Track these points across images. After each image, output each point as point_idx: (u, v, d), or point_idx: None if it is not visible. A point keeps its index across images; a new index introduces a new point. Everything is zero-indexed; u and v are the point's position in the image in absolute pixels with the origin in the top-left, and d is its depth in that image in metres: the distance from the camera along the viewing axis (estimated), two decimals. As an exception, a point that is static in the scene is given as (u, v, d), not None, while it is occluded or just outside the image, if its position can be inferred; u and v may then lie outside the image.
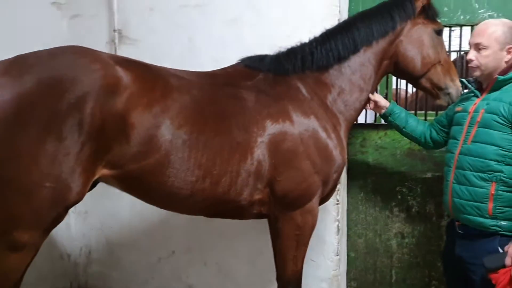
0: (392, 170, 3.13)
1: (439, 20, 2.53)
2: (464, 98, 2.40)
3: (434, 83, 2.53)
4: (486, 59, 2.18)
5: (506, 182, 2.09)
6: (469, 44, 2.25)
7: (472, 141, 2.20)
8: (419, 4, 2.46)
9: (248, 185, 2.23)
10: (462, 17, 2.92)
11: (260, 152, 2.23)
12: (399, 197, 3.14)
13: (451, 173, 2.27)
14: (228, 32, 3.15)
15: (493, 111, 2.13)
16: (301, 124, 2.30)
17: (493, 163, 2.12)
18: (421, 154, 3.05)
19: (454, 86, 2.54)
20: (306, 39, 2.55)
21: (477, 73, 2.23)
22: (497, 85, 2.17)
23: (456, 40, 3.06)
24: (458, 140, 2.27)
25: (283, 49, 2.52)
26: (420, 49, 2.46)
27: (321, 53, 2.43)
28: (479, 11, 2.88)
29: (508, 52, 2.15)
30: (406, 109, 3.38)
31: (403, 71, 2.54)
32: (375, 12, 2.50)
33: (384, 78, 2.92)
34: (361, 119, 3.23)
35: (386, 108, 2.60)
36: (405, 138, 3.03)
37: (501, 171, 2.09)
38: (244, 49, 2.69)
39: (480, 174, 2.14)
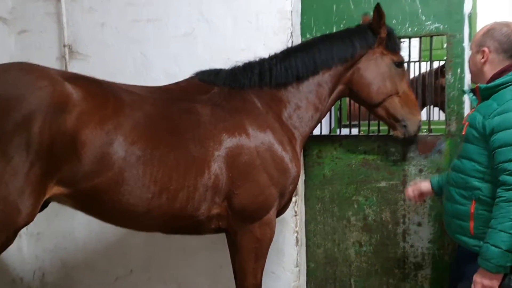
0: (348, 180, 3.13)
1: (400, 53, 2.57)
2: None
3: (390, 113, 2.53)
4: (469, 64, 2.11)
5: (485, 201, 1.90)
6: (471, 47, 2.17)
7: (459, 156, 2.07)
8: (380, 35, 2.50)
9: (206, 199, 2.20)
10: (410, 29, 2.96)
11: (217, 166, 2.20)
12: (356, 206, 3.15)
13: (445, 189, 2.19)
14: (182, 47, 3.12)
15: (471, 124, 1.96)
16: (257, 138, 2.30)
17: (472, 179, 1.96)
18: (375, 163, 3.07)
19: (412, 119, 2.54)
20: (260, 53, 2.58)
21: (472, 78, 2.15)
22: (484, 94, 1.98)
23: (405, 51, 3.05)
24: (455, 155, 2.19)
25: (239, 63, 2.52)
26: (376, 79, 2.46)
27: (280, 70, 2.44)
28: (426, 23, 2.93)
29: (482, 54, 1.99)
30: (359, 118, 3.39)
31: (357, 97, 2.58)
32: (337, 36, 2.52)
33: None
34: (317, 131, 3.22)
35: (432, 188, 2.41)
36: (360, 148, 3.11)
37: (479, 189, 1.93)
38: (198, 63, 2.68)
39: (461, 191, 2.02)
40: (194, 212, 2.21)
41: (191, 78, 2.50)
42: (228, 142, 2.24)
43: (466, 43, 2.89)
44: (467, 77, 2.90)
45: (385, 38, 2.51)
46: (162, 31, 3.17)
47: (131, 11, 3.20)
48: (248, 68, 2.48)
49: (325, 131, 3.49)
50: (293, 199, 2.95)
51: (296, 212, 3.02)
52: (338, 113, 3.81)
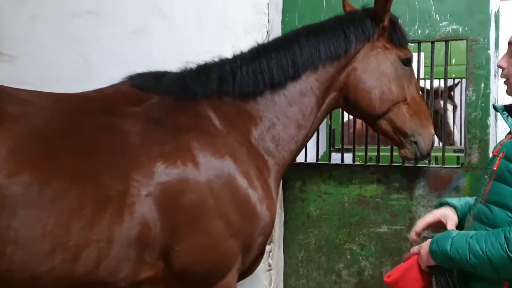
0: (339, 222, 2.70)
1: (407, 47, 2.08)
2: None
3: (396, 126, 2.03)
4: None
5: None
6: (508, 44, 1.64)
7: (486, 200, 1.57)
8: (383, 24, 1.99)
9: (129, 258, 1.59)
10: (420, 31, 2.50)
11: (145, 209, 1.59)
12: (349, 256, 2.70)
13: None
14: (131, 46, 2.67)
15: (509, 156, 1.51)
16: (210, 168, 1.73)
17: None
18: (374, 201, 2.63)
19: (425, 134, 2.04)
20: (228, 55, 2.04)
21: (508, 90, 1.63)
22: None
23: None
24: (480, 196, 1.65)
25: (192, 65, 1.97)
26: (379, 81, 1.98)
27: (248, 74, 1.91)
28: (441, 24, 2.47)
29: None
30: (354, 142, 2.94)
31: (356, 108, 2.05)
32: (324, 27, 2.00)
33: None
34: (300, 158, 2.79)
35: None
36: (354, 181, 2.69)
37: None
38: (151, 67, 2.18)
39: None
40: (111, 278, 1.60)
41: (121, 83, 1.91)
42: (165, 174, 1.64)
43: (492, 50, 2.43)
44: (494, 93, 2.47)
45: (389, 28, 2.01)
46: (107, 27, 2.72)
47: (69, 2, 2.74)
48: (203, 71, 1.92)
49: (312, 158, 3.03)
50: (267, 247, 2.50)
51: (270, 265, 2.55)
52: (329, 133, 3.31)
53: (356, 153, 3.01)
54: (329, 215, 2.70)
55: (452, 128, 4.35)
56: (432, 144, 2.10)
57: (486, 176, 1.61)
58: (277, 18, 2.62)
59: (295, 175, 2.73)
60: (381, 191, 2.63)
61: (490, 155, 1.82)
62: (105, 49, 2.70)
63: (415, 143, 2.04)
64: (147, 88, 1.85)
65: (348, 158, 2.92)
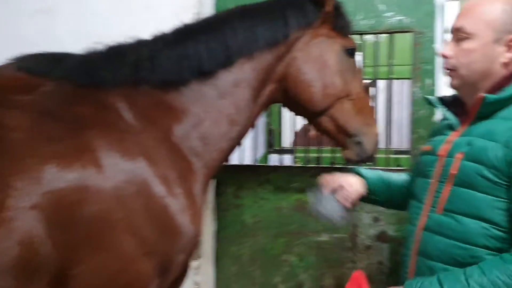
0: (276, 231, 2.52)
1: (350, 36, 1.90)
2: (438, 129, 1.54)
3: (339, 125, 1.85)
4: (469, 56, 1.35)
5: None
6: (451, 31, 1.45)
7: (445, 210, 1.36)
8: (325, 9, 1.79)
9: (8, 286, 1.29)
10: (364, 22, 2.34)
11: (28, 225, 1.27)
12: (286, 269, 2.52)
13: (410, 260, 1.45)
14: (35, 28, 2.35)
15: (477, 158, 1.30)
16: (118, 172, 1.43)
17: (481, 251, 1.28)
18: None
19: (370, 134, 1.87)
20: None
21: (455, 82, 1.41)
22: (486, 110, 1.35)
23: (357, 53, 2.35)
24: (422, 203, 1.45)
25: (101, 47, 1.65)
26: (322, 73, 1.80)
27: (170, 59, 1.65)
28: (385, 15, 2.32)
29: (510, 47, 1.33)
30: (295, 143, 2.82)
31: (296, 103, 1.85)
32: (261, 9, 1.78)
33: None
34: (235, 160, 2.68)
35: (366, 190, 1.72)
36: (293, 185, 2.53)
37: None
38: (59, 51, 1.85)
39: (456, 269, 1.31)
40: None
41: (4, 65, 1.55)
42: (57, 180, 1.32)
43: (438, 44, 2.30)
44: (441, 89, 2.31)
45: (332, 14, 1.81)
46: (7, 5, 2.39)
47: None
48: (115, 54, 1.62)
49: (248, 160, 2.86)
50: (194, 263, 2.29)
51: (198, 283, 2.32)
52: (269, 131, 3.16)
53: (297, 155, 2.82)
54: (266, 223, 2.53)
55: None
56: (377, 145, 1.94)
57: (430, 180, 1.41)
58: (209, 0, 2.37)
59: (229, 179, 2.54)
60: None
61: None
62: (4, 30, 2.36)
63: (359, 143, 1.87)
64: (39, 72, 1.51)
65: (287, 160, 2.73)
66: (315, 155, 2.75)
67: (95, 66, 1.57)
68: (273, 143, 3.25)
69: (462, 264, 1.29)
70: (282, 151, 2.68)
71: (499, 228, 1.26)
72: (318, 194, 1.70)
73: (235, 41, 1.67)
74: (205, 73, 1.67)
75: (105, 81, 1.55)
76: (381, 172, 1.75)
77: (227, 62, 1.69)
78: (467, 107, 1.41)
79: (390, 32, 2.35)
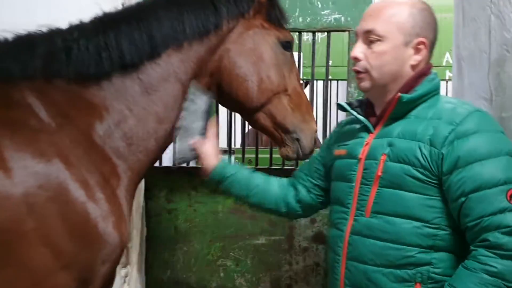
0: (212, 235, 2.51)
1: (286, 27, 1.86)
2: (346, 133, 1.54)
3: (277, 121, 1.80)
4: (380, 59, 1.36)
5: (439, 280, 1.29)
6: (356, 34, 1.46)
7: (373, 212, 1.36)
8: None
9: None
10: (301, 19, 2.35)
11: None
12: (222, 274, 2.53)
13: (340, 266, 1.44)
14: None
15: (403, 157, 1.31)
16: (30, 176, 1.31)
17: (414, 250, 1.30)
18: (251, 210, 2.42)
19: (307, 130, 1.83)
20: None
21: (365, 84, 1.39)
22: (400, 110, 1.37)
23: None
24: (347, 207, 1.43)
25: (8, 36, 1.49)
26: (257, 67, 1.74)
27: (88, 51, 1.52)
28: (322, 13, 2.35)
29: (417, 50, 1.36)
30: (230, 143, 2.80)
31: (231, 98, 1.78)
32: None
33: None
34: (167, 161, 2.64)
35: (213, 169, 1.72)
36: None
37: (429, 263, 1.30)
38: None
39: (393, 271, 1.33)
40: None
41: None
42: None
43: None
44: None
45: (267, 4, 1.77)
46: None
47: None
48: (24, 44, 1.48)
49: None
50: (122, 271, 2.15)
51: None
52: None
53: (236, 155, 2.78)
54: (201, 227, 2.51)
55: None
56: (315, 141, 1.92)
57: (353, 184, 1.42)
58: (137, -9, 2.22)
59: (160, 182, 2.49)
60: None
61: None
62: None
63: (297, 140, 1.84)
64: None
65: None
66: (252, 155, 2.72)
67: (0, 57, 1.43)
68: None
69: (396, 265, 1.31)
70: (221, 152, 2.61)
71: (431, 226, 1.29)
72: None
73: (160, 31, 1.58)
74: (128, 66, 1.56)
75: (12, 74, 1.41)
76: (252, 173, 1.75)
77: (152, 54, 1.59)
78: (377, 109, 1.44)
79: (327, 30, 2.36)
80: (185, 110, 1.68)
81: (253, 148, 2.73)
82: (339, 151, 1.52)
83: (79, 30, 1.53)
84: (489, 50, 1.59)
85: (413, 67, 1.36)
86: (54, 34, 1.52)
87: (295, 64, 1.88)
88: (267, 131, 1.84)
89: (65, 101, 1.47)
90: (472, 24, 1.72)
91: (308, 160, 1.73)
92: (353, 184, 1.40)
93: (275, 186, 1.71)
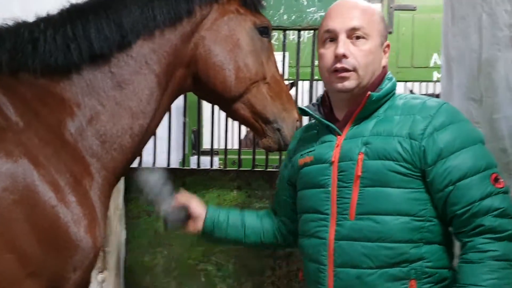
0: (193, 238, 2.36)
1: (263, 12, 1.81)
2: (306, 140, 1.51)
3: (256, 111, 1.75)
4: (368, 57, 1.35)
5: (432, 274, 1.30)
6: (332, 31, 1.37)
7: (358, 214, 1.32)
8: None
9: None
10: (285, 16, 2.33)
11: None
12: (203, 279, 2.51)
13: (326, 276, 1.38)
14: None
15: (383, 153, 1.31)
16: None
17: (405, 246, 1.29)
18: None
19: (288, 120, 1.79)
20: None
21: (350, 84, 1.35)
22: (368, 109, 1.37)
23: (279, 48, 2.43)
24: (325, 214, 1.37)
25: None
26: (233, 54, 1.69)
27: (55, 42, 1.46)
28: (308, 10, 2.33)
29: (385, 52, 1.42)
30: (212, 144, 2.71)
31: (208, 89, 1.72)
32: None
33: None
34: (148, 162, 2.55)
35: (203, 221, 1.64)
36: (211, 190, 2.50)
37: (422, 258, 1.29)
38: None
39: (387, 270, 1.30)
40: None
41: None
42: None
43: None
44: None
45: None
46: None
47: None
48: None
49: (161, 160, 2.72)
50: (99, 277, 2.13)
51: None
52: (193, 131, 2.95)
53: (219, 156, 2.72)
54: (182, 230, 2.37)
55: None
56: (297, 130, 1.90)
57: (328, 189, 1.37)
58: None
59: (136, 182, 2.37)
60: (242, 200, 2.48)
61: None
62: None
63: (278, 130, 1.79)
64: None
65: (205, 162, 2.65)
66: (235, 157, 2.68)
67: None
68: (197, 144, 3.15)
69: (390, 264, 1.30)
70: (199, 152, 2.57)
71: (418, 219, 1.29)
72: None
73: (129, 19, 1.52)
74: (97, 57, 1.50)
75: None
76: (235, 216, 1.67)
77: (123, 43, 1.52)
78: (337, 110, 1.42)
79: (313, 28, 2.32)
80: (148, 189, 1.65)
81: (236, 149, 2.69)
82: (303, 159, 1.47)
83: (45, 22, 1.46)
84: (479, 50, 1.56)
85: (383, 68, 1.41)
86: (20, 27, 1.45)
87: (273, 51, 1.83)
88: (247, 122, 1.79)
89: (34, 97, 1.40)
90: (461, 23, 1.69)
91: (278, 182, 1.66)
92: (329, 189, 1.36)
93: (267, 221, 1.65)
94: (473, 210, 1.25)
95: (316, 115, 1.44)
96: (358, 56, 1.33)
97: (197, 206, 1.65)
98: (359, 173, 1.31)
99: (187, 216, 1.61)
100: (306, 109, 1.47)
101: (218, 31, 1.65)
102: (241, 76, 1.68)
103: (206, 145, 3.19)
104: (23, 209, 1.25)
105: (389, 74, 1.41)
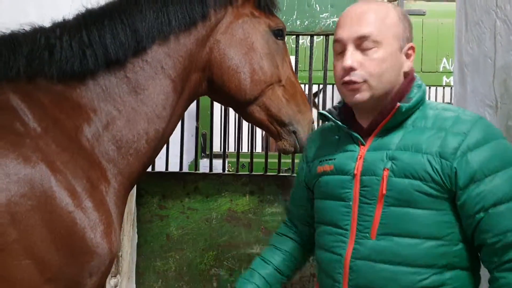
0: (205, 243, 2.45)
1: (277, 14, 1.79)
2: (327, 146, 1.39)
3: (272, 114, 1.73)
4: (381, 66, 1.22)
5: None
6: (340, 41, 1.28)
7: (380, 234, 1.21)
8: None
9: None
10: (298, 22, 2.32)
11: None
12: (215, 284, 2.46)
13: None
14: None
15: (411, 172, 1.18)
16: (13, 183, 1.23)
17: (428, 272, 1.17)
18: (246, 217, 2.43)
19: (304, 122, 1.76)
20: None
21: (363, 96, 1.24)
22: (397, 120, 1.25)
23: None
24: (344, 229, 1.27)
25: None
26: (248, 57, 1.67)
27: (71, 48, 1.45)
28: (321, 16, 2.32)
29: (408, 56, 1.26)
30: (225, 147, 2.65)
31: (223, 92, 1.70)
32: None
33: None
34: (160, 166, 2.57)
35: None
36: (224, 194, 2.48)
37: (444, 284, 1.17)
38: None
39: None
40: None
41: None
42: None
43: None
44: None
45: None
46: None
47: None
48: (6, 44, 1.42)
49: (174, 166, 2.70)
50: (112, 281, 2.12)
51: None
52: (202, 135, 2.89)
53: (229, 159, 2.72)
54: (194, 235, 2.44)
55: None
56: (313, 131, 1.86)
57: (349, 203, 1.27)
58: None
59: (152, 187, 2.43)
60: (254, 205, 2.44)
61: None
62: None
63: (294, 132, 1.77)
64: None
65: (217, 166, 2.62)
66: (246, 160, 2.66)
67: None
68: (205, 148, 3.13)
69: None
70: (211, 155, 2.56)
71: (445, 243, 1.17)
72: None
73: (145, 24, 1.50)
74: (113, 63, 1.49)
75: None
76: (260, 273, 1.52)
77: (138, 49, 1.51)
78: (361, 118, 1.30)
79: (325, 34, 2.30)
80: None
81: (246, 153, 2.68)
82: (323, 167, 1.36)
83: (61, 27, 1.46)
84: (494, 56, 1.52)
85: (405, 74, 1.26)
86: (37, 32, 1.45)
87: (287, 53, 1.81)
88: (262, 125, 1.77)
89: (51, 103, 1.40)
90: (476, 29, 1.66)
91: (293, 190, 1.55)
92: (350, 203, 1.26)
93: (288, 244, 1.53)
94: (506, 240, 1.12)
95: (338, 123, 1.32)
96: (369, 66, 1.22)
97: None
98: (384, 191, 1.20)
99: None
100: (327, 114, 1.36)
101: (233, 34, 1.63)
102: (256, 79, 1.66)
103: (215, 148, 3.17)
104: (41, 215, 1.25)
105: (418, 80, 1.29)
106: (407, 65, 1.24)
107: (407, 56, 1.25)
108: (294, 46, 2.29)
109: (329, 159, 1.34)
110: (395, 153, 1.21)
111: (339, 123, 1.31)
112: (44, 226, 1.25)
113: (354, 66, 1.21)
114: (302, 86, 2.17)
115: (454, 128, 1.17)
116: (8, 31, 1.42)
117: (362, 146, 1.27)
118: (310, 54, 2.30)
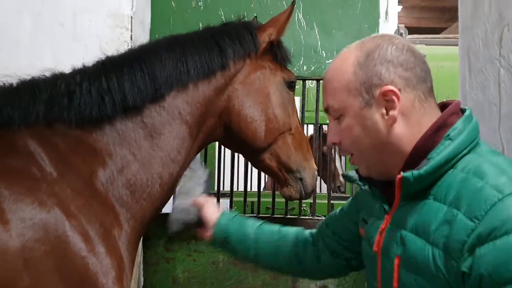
0: (211, 286, 2.36)
1: (289, 68, 1.85)
2: (366, 202, 1.23)
3: (281, 161, 1.76)
4: (351, 135, 1.06)
5: None
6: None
7: None
8: (264, 38, 1.71)
9: None
10: (305, 67, 2.37)
11: None
12: None
13: None
14: None
15: (415, 266, 0.98)
16: (28, 229, 1.22)
17: None
18: None
19: (309, 169, 1.80)
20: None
21: (363, 171, 1.12)
22: (411, 189, 1.00)
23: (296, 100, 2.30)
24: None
25: (10, 81, 1.46)
26: (264, 107, 1.71)
27: (90, 95, 1.47)
28: (327, 62, 2.37)
29: (387, 103, 1.00)
30: (232, 186, 2.57)
31: (239, 139, 1.72)
32: (193, 37, 1.66)
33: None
34: (166, 208, 2.25)
35: (213, 228, 1.53)
36: None
37: None
38: None
39: None
40: None
41: None
42: None
43: None
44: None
45: (273, 45, 1.76)
46: None
47: None
48: (26, 89, 1.43)
49: None
50: None
51: None
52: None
53: (235, 199, 2.64)
54: (200, 278, 2.35)
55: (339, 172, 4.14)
56: (316, 180, 1.88)
57: (376, 276, 1.14)
58: (143, 36, 2.24)
59: (159, 229, 2.30)
60: None
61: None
62: None
63: (301, 179, 1.79)
64: None
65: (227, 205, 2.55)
66: (254, 199, 2.57)
67: (2, 102, 1.38)
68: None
69: None
70: (219, 193, 2.50)
71: None
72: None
73: (163, 72, 1.51)
74: (130, 109, 1.50)
75: (12, 119, 1.36)
76: (260, 226, 1.51)
77: (156, 96, 1.52)
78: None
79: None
80: (186, 177, 1.60)
81: (255, 192, 2.60)
82: (361, 227, 1.24)
83: (82, 74, 1.49)
84: (499, 103, 1.55)
85: (396, 126, 1.00)
86: (57, 78, 1.48)
87: (295, 103, 1.86)
88: (271, 172, 1.78)
89: (67, 147, 1.41)
90: (479, 76, 1.68)
91: (335, 214, 1.43)
92: (376, 276, 1.14)
93: (289, 238, 1.47)
94: None
95: (364, 187, 1.14)
96: (344, 137, 1.08)
97: (210, 211, 1.52)
98: (396, 284, 1.04)
99: (199, 220, 1.52)
100: (351, 176, 1.18)
101: (251, 84, 1.67)
102: (270, 127, 1.69)
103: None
104: (54, 260, 1.24)
105: (460, 122, 1.00)
106: (390, 116, 0.99)
107: (387, 103, 0.99)
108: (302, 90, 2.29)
109: (363, 222, 1.22)
110: (408, 236, 1.01)
111: (361, 185, 1.15)
112: (57, 271, 1.24)
113: (335, 141, 1.11)
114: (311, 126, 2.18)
115: (468, 207, 0.90)
116: (29, 77, 1.46)
117: (387, 216, 1.09)
118: (316, 98, 2.32)
